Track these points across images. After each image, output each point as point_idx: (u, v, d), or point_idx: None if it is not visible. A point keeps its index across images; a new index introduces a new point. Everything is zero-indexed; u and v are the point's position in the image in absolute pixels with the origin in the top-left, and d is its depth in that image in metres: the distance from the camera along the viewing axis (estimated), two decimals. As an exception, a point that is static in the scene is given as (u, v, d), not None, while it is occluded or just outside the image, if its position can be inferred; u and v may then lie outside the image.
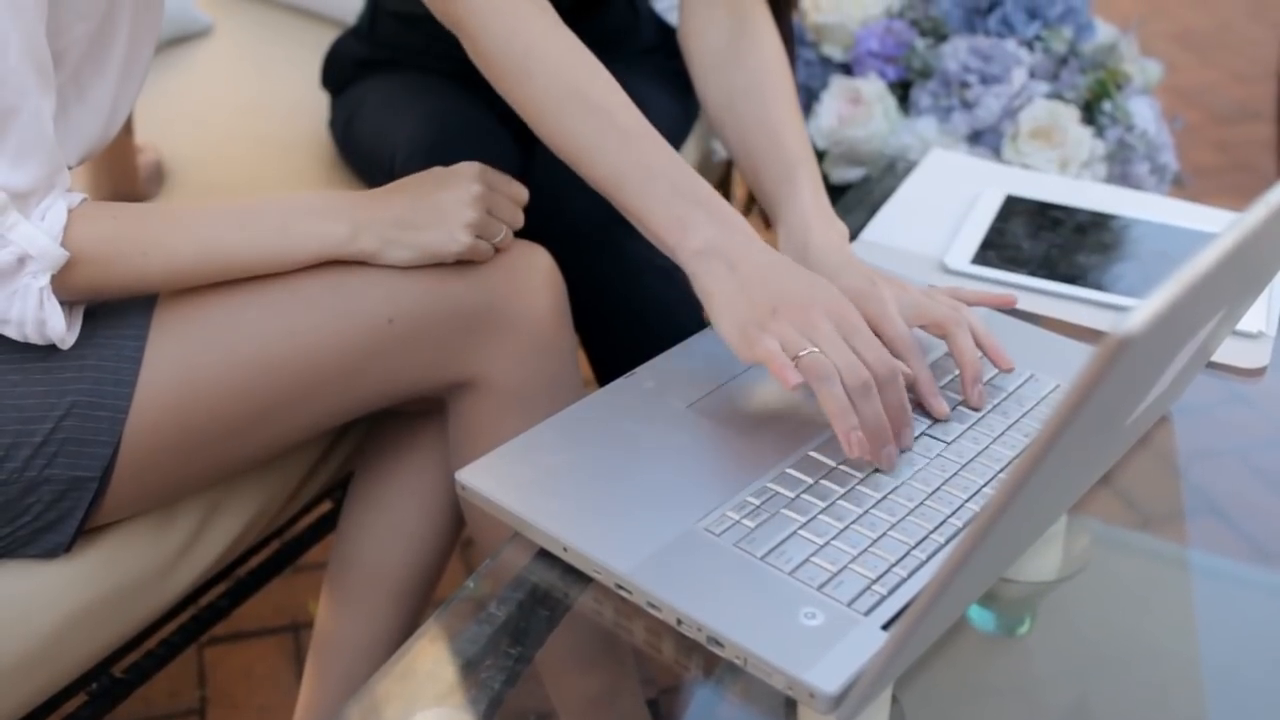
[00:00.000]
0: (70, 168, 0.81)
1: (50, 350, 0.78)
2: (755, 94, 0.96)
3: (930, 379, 0.75)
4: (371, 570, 0.97)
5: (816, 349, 0.71)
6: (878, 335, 0.75)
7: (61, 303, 0.76)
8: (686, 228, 0.78)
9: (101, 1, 0.78)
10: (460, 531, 1.00)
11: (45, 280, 0.74)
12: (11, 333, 0.76)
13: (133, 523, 0.86)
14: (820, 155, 1.38)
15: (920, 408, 0.78)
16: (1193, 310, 0.50)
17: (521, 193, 0.88)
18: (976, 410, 0.78)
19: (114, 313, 0.81)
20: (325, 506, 1.11)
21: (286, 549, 1.11)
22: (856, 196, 1.13)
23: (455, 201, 0.84)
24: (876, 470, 0.72)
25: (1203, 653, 0.68)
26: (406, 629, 0.99)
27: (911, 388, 0.77)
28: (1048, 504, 0.61)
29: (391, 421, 0.99)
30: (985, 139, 1.36)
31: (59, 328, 0.76)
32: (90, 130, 0.82)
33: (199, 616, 1.03)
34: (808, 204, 0.88)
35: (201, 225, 0.80)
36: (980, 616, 0.69)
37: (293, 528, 1.08)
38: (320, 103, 1.35)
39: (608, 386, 0.80)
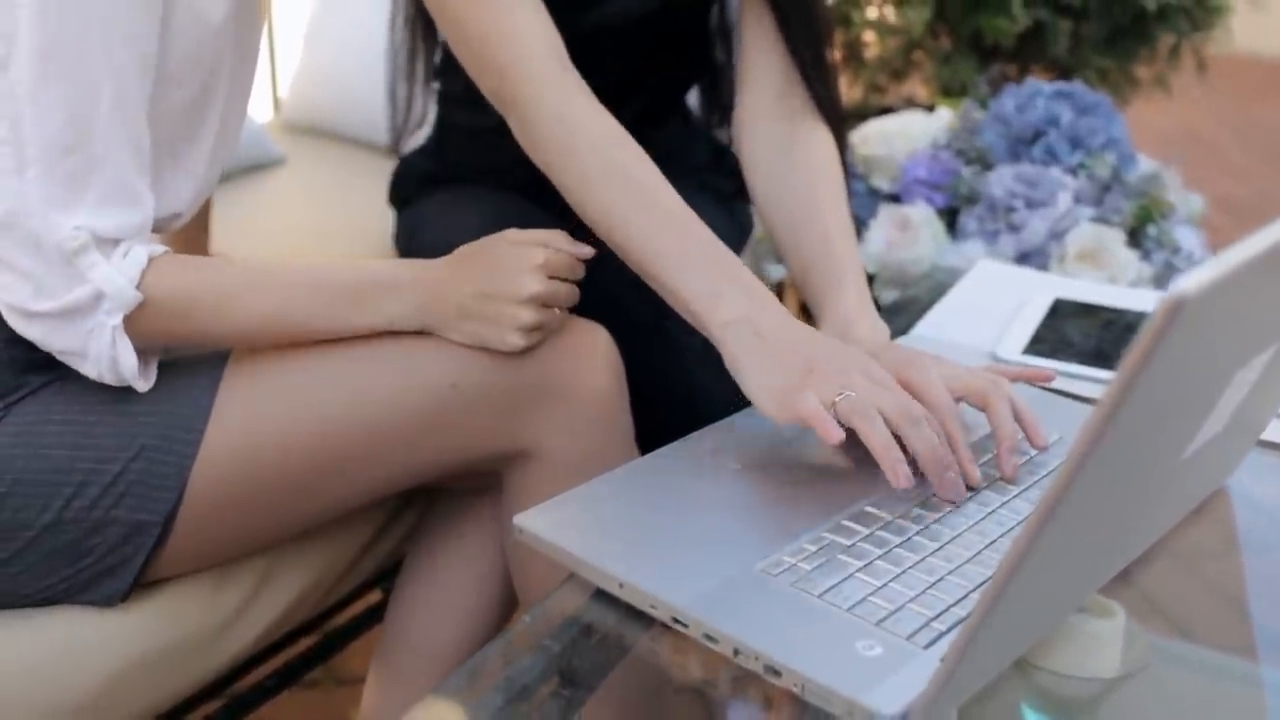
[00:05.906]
0: (159, 231, 0.85)
1: (126, 395, 0.81)
2: (806, 195, 0.98)
3: (968, 447, 0.76)
4: (420, 646, 0.96)
5: (853, 393, 0.72)
6: (920, 402, 0.76)
7: (137, 350, 0.79)
8: (718, 301, 0.79)
9: (202, 71, 0.83)
10: (512, 612, 1.00)
11: (118, 320, 0.77)
12: (89, 370, 0.79)
13: (188, 581, 0.87)
14: (870, 278, 1.41)
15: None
16: (1249, 303, 0.51)
17: (584, 249, 0.89)
18: (1010, 482, 0.78)
19: (187, 365, 0.84)
20: (375, 596, 1.11)
21: (332, 638, 1.11)
22: (902, 306, 1.15)
23: (513, 302, 0.84)
24: (934, 523, 0.72)
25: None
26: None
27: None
28: (1107, 529, 0.61)
29: (445, 500, 1.00)
30: (1032, 261, 1.38)
31: (131, 365, 0.78)
32: (183, 194, 0.86)
33: (240, 698, 1.03)
34: (851, 305, 0.90)
35: (275, 288, 0.83)
36: (1040, 723, 0.67)
37: (342, 613, 1.08)
38: (384, 226, 1.41)
39: (665, 447, 0.81)
